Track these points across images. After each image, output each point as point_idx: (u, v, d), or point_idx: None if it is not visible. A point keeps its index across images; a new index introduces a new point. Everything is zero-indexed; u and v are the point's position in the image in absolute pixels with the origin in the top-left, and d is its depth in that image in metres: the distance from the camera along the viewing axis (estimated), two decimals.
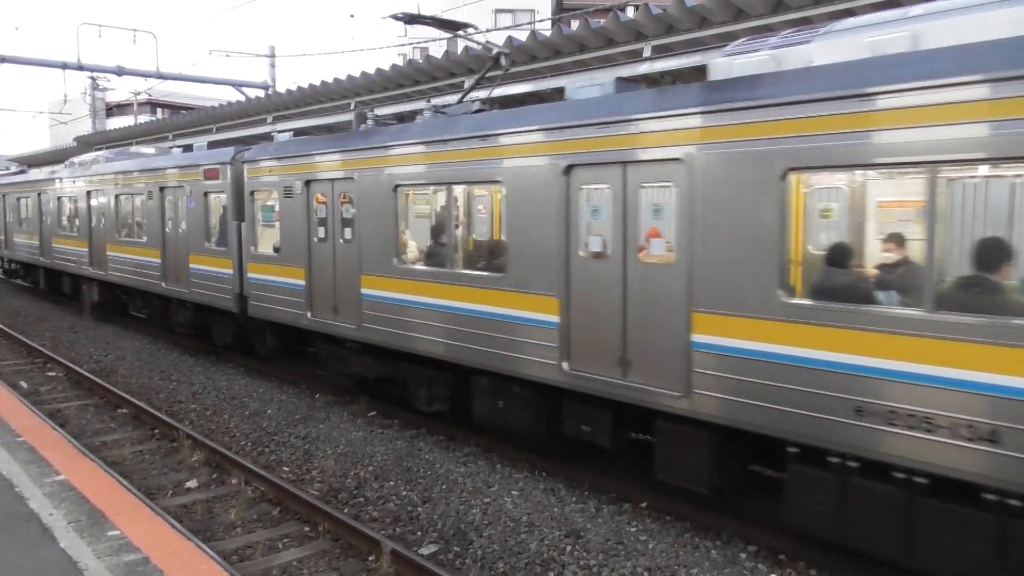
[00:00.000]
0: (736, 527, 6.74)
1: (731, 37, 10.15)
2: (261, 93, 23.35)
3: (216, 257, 13.00)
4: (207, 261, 13.24)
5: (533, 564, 6.30)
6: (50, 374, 13.51)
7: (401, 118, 10.50)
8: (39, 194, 21.69)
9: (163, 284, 14.81)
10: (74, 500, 6.24)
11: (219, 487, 8.10)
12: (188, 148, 15.99)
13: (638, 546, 6.54)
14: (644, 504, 7.38)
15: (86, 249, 18.29)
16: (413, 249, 9.55)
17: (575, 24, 11.82)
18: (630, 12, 11.66)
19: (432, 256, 9.16)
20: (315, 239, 10.69)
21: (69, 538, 5.50)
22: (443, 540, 6.77)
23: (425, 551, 6.56)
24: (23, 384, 12.43)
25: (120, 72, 23.78)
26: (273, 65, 24.68)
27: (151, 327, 17.01)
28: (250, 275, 12.16)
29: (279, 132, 14.07)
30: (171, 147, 18.48)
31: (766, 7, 9.72)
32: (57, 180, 20.50)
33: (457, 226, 8.77)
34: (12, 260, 26.07)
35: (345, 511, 7.33)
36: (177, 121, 25.00)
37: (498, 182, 8.06)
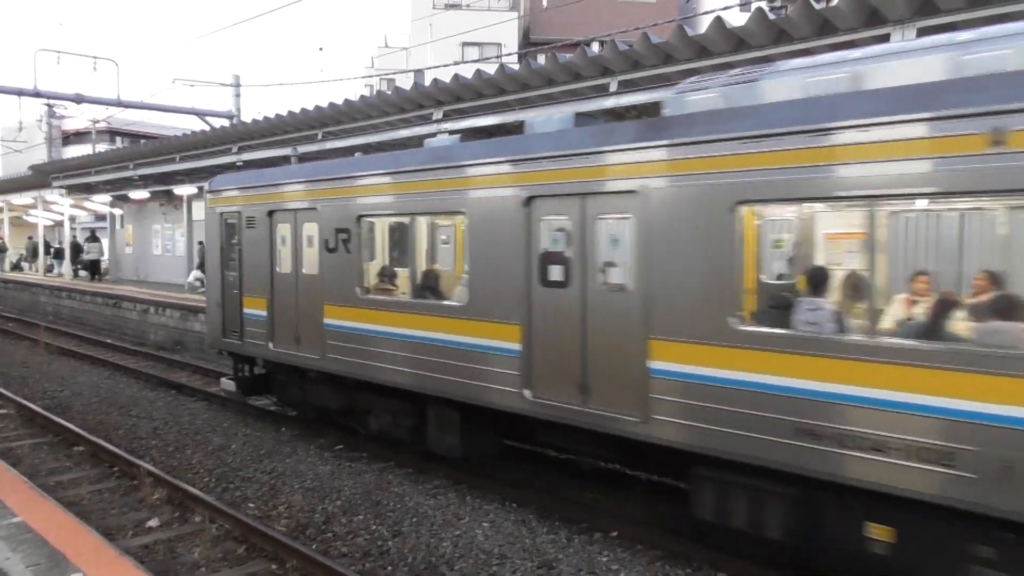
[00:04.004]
0: (706, 555, 6.76)
1: (694, 73, 10.45)
2: (226, 123, 23.24)
3: None
4: None
5: None
6: (1, 411, 13.08)
7: None
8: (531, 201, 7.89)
9: None
10: (32, 543, 6.01)
11: (182, 525, 7.88)
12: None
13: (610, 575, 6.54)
14: (615, 533, 7.37)
15: None
16: None
17: (542, 58, 12.04)
18: (595, 47, 11.94)
19: None
20: None
21: None
22: (414, 574, 6.68)
23: None
24: None
25: (79, 100, 23.49)
26: (238, 95, 24.61)
27: (109, 360, 16.56)
28: None
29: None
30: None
31: (728, 45, 10.03)
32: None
33: None
34: (319, 373, 10.23)
35: (313, 547, 7.18)
36: (139, 150, 24.71)
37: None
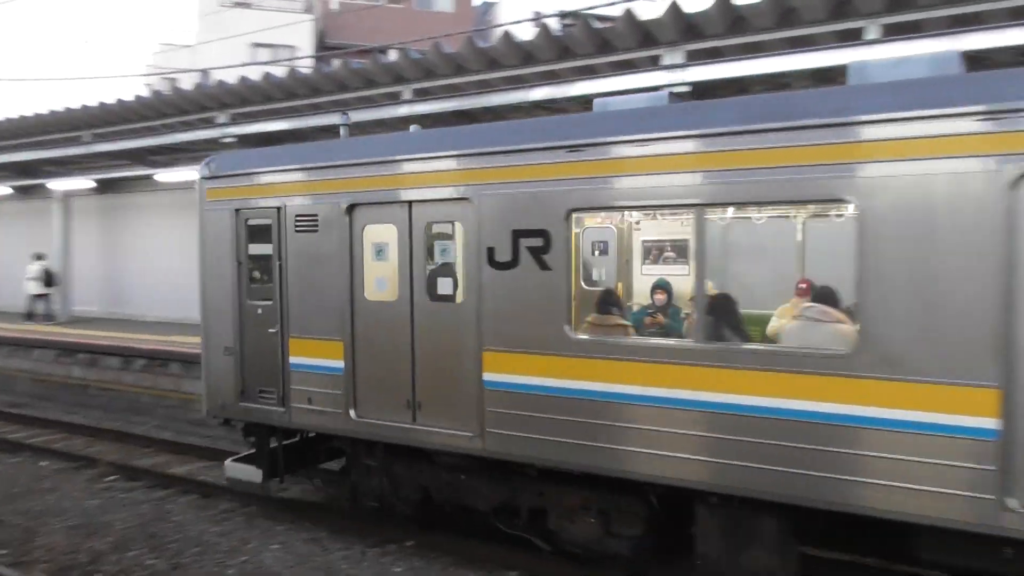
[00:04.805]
0: (499, 556, 6.85)
1: (486, 84, 10.71)
2: None
3: None
4: None
5: None
6: None
7: None
8: None
9: None
10: None
11: None
12: None
13: None
14: (410, 543, 7.29)
15: None
16: None
17: (336, 63, 11.79)
18: (393, 55, 11.87)
19: None
20: None
21: None
22: None
23: None
24: None
25: None
26: None
27: None
28: None
29: None
30: None
31: (517, 59, 10.38)
32: None
33: None
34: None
35: None
36: None
37: None
